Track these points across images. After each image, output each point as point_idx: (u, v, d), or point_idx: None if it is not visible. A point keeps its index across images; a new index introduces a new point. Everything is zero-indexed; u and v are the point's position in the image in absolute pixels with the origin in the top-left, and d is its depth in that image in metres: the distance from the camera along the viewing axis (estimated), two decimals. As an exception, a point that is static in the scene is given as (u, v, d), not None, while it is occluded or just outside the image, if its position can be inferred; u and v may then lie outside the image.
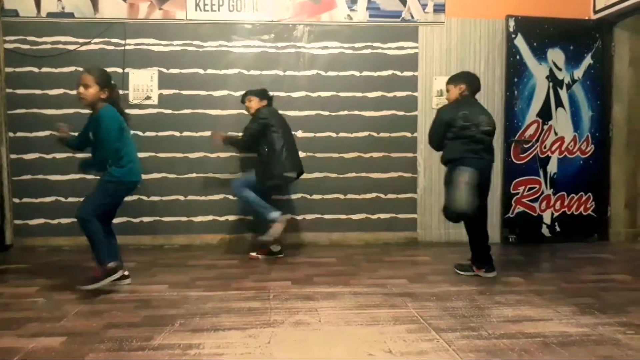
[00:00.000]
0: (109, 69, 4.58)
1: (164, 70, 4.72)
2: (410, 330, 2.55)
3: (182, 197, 4.79)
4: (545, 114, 4.99)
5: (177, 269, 3.86)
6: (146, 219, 4.76)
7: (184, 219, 4.79)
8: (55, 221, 4.67)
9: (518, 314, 2.79)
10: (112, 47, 4.66)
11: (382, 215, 4.97)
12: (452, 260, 4.09)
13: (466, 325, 2.62)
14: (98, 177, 3.32)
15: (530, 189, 5.02)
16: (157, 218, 4.77)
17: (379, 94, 4.91)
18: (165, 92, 4.73)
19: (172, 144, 4.73)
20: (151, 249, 4.61)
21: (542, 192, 5.06)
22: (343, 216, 4.92)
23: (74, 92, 4.62)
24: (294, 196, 4.84)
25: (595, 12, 5.02)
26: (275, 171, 4.04)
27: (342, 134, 4.89)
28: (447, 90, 3.77)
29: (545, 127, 5.01)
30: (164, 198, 4.76)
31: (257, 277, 3.61)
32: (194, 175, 4.80)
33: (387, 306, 2.92)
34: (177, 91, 4.75)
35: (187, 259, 4.15)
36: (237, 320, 2.69)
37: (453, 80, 3.74)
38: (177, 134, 4.73)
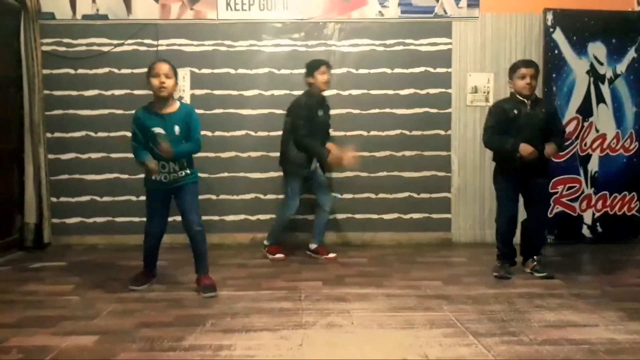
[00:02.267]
0: (141, 70, 4.72)
1: (196, 70, 4.74)
2: (447, 334, 2.47)
3: (214, 197, 4.80)
4: (585, 110, 4.80)
5: (210, 268, 3.84)
6: (178, 219, 4.76)
7: (216, 218, 4.80)
8: (91, 220, 4.75)
9: (561, 319, 2.67)
10: (145, 48, 4.71)
11: (415, 215, 4.87)
12: (488, 262, 3.96)
13: (506, 330, 2.51)
14: (143, 177, 3.26)
15: (569, 188, 4.84)
16: (189, 217, 4.78)
17: (411, 91, 4.81)
18: (198, 92, 4.75)
19: (205, 144, 4.65)
20: (183, 247, 4.57)
21: (583, 192, 4.86)
22: (374, 216, 4.84)
23: (109, 92, 4.80)
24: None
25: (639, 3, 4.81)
26: None
27: (373, 133, 4.81)
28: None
29: (586, 124, 4.81)
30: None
31: (288, 276, 3.57)
32: (226, 174, 4.80)
33: (421, 309, 2.84)
34: (209, 91, 4.76)
35: (219, 258, 4.15)
36: (268, 321, 2.66)
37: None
38: (209, 133, 4.73)
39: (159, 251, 3.38)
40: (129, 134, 4.94)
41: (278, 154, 4.72)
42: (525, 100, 3.53)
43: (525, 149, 3.38)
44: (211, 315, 2.75)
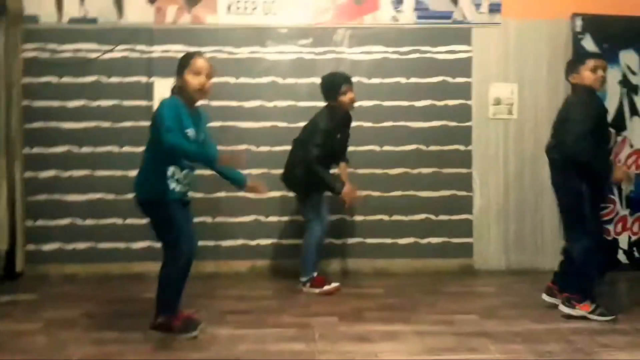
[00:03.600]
0: (132, 78, 4.32)
1: (192, 79, 4.31)
2: (504, 385, 1.97)
3: (209, 219, 4.31)
4: (618, 123, 4.38)
5: (204, 300, 3.34)
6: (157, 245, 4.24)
7: (211, 243, 4.29)
8: (71, 246, 4.22)
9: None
10: (137, 55, 4.27)
11: (433, 240, 4.38)
12: (521, 292, 3.51)
13: (576, 379, 2.02)
14: (156, 189, 2.65)
15: (602, 208, 4.38)
16: (182, 242, 4.27)
17: (428, 102, 4.39)
18: (193, 103, 4.29)
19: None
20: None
21: (617, 213, 4.41)
22: (388, 240, 4.35)
23: (96, 103, 4.36)
24: (332, 217, 4.28)
25: (674, 8, 4.44)
26: None
27: (386, 147, 4.36)
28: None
29: (619, 138, 4.40)
30: (190, 220, 4.27)
31: (296, 311, 3.07)
32: (223, 194, 4.32)
33: (464, 350, 2.34)
34: (205, 102, 4.31)
35: (215, 289, 3.64)
36: (277, 368, 2.15)
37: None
38: (204, 148, 4.28)
39: None
40: (116, 149, 4.57)
41: (280, 171, 4.28)
42: None
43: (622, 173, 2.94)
44: (207, 360, 2.24)
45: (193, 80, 2.61)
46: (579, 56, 3.23)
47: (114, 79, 4.28)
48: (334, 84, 3.60)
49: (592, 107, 2.99)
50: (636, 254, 4.41)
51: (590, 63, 3.05)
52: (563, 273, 3.07)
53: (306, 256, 3.65)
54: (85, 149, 4.28)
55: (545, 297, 3.07)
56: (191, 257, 2.68)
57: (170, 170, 2.61)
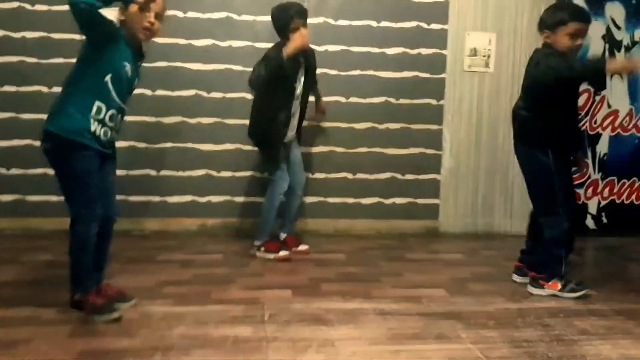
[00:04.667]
0: (63, 7, 3.68)
1: (133, 11, 3.73)
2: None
3: (153, 172, 3.86)
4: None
5: (143, 266, 2.96)
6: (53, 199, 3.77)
7: (156, 199, 3.87)
8: (-7, 198, 3.73)
9: (622, 354, 1.96)
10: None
11: (398, 200, 4.09)
12: (490, 260, 3.28)
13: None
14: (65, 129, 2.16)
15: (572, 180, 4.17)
16: (123, 197, 3.82)
17: (399, 50, 3.98)
18: (134, 40, 3.73)
19: (143, 105, 3.75)
20: (114, 235, 3.70)
21: (589, 176, 4.22)
22: (351, 200, 4.04)
23: (19, 34, 3.71)
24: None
25: (666, -44, 4.11)
26: None
27: (352, 99, 3.97)
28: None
29: (597, 97, 4.14)
30: (132, 172, 3.82)
31: (246, 281, 2.73)
32: (170, 145, 3.86)
33: (432, 337, 2.07)
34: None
35: (158, 252, 3.25)
36: (216, 362, 1.82)
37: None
38: (148, 92, 3.76)
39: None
40: (44, 89, 3.99)
41: (235, 121, 3.86)
42: None
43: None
44: (133, 350, 1.89)
45: (139, 19, 2.13)
46: (562, 9, 2.70)
47: (40, 7, 3.67)
48: (284, 18, 3.09)
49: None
50: (604, 219, 4.27)
51: (572, 26, 2.53)
52: (529, 251, 2.82)
53: (262, 217, 3.30)
54: (8, 88, 3.70)
55: (515, 277, 2.83)
56: (107, 224, 2.26)
57: (96, 105, 2.14)
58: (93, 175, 2.16)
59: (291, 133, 3.32)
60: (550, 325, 2.22)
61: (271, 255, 3.21)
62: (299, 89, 3.26)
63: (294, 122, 3.32)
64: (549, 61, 2.52)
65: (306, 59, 3.28)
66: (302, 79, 3.28)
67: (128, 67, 2.19)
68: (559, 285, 2.62)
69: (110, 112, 2.17)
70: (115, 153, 2.37)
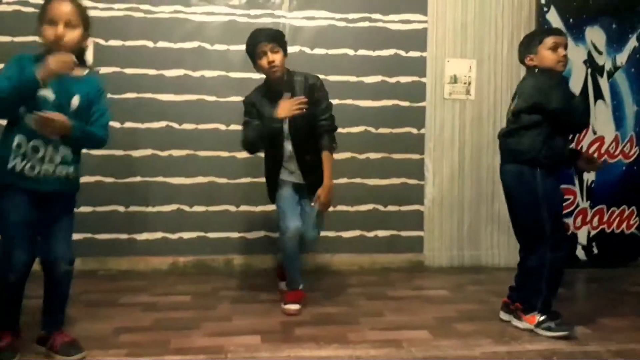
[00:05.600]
0: (24, 39, 3.56)
1: (102, 42, 3.60)
2: None
3: (121, 208, 3.66)
4: (581, 107, 4.02)
5: (102, 310, 2.74)
6: (75, 236, 3.60)
7: (124, 236, 3.66)
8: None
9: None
10: (30, 9, 3.52)
11: (380, 233, 3.92)
12: (476, 296, 3.09)
13: None
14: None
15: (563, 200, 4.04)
16: (89, 235, 3.62)
17: (378, 78, 3.87)
18: (104, 70, 3.55)
19: (110, 138, 3.56)
20: (78, 276, 3.45)
21: (577, 205, 4.08)
22: (331, 233, 3.84)
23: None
24: (268, 207, 3.71)
25: (644, -18, 4.10)
26: None
27: (331, 129, 3.83)
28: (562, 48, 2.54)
29: (582, 124, 4.04)
30: (98, 209, 3.62)
31: (211, 326, 2.51)
32: (139, 179, 3.68)
33: (412, 390, 1.86)
34: (118, 69, 3.63)
35: (121, 295, 3.03)
36: None
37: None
38: (117, 124, 3.60)
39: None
40: None
41: (207, 153, 3.72)
42: None
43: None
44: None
45: (47, 32, 1.99)
46: (534, 33, 2.71)
47: None
48: (251, 43, 2.82)
49: (566, 90, 2.54)
50: (595, 249, 4.12)
51: (549, 40, 2.50)
52: (518, 288, 2.64)
53: (285, 264, 2.92)
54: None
55: (502, 315, 2.64)
56: (53, 269, 2.08)
57: (16, 140, 1.98)
58: (11, 214, 1.98)
59: (293, 179, 2.89)
60: (544, 371, 2.02)
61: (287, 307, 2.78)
62: (285, 127, 2.82)
63: (291, 166, 2.88)
64: (552, 85, 2.46)
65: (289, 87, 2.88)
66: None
67: (46, 90, 1.98)
68: (536, 320, 2.44)
69: (31, 144, 1.99)
70: (73, 189, 2.18)
